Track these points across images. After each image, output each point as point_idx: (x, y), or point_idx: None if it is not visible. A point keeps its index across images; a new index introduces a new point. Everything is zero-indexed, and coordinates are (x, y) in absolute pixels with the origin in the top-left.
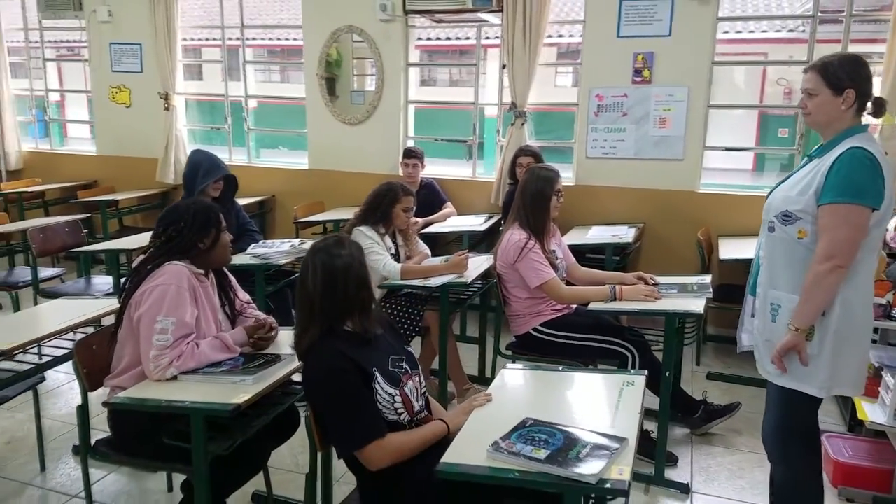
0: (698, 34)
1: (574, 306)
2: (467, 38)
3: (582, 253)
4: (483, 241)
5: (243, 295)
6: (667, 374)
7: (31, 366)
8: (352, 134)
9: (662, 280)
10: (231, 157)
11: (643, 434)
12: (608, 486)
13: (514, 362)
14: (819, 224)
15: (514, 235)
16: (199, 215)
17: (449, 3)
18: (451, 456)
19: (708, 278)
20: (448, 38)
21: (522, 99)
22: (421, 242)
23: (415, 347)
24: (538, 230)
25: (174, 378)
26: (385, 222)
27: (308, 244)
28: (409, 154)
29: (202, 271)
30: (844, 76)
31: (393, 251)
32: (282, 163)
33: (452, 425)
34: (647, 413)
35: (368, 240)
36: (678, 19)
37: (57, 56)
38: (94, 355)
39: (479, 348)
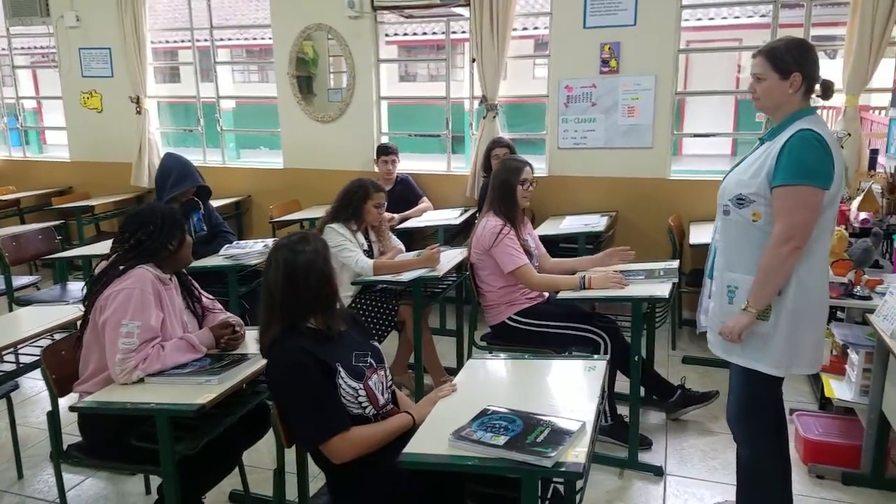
0: (663, 22)
1: (546, 295)
2: (439, 33)
3: (555, 242)
4: (459, 235)
5: (206, 296)
6: (635, 358)
7: (1, 373)
8: (325, 132)
9: (632, 267)
10: (205, 158)
11: (617, 418)
12: (564, 469)
13: (490, 353)
14: (774, 207)
15: (490, 222)
16: (167, 219)
17: None
18: (414, 446)
19: (675, 263)
20: (417, 34)
21: (493, 92)
22: (394, 238)
23: (392, 342)
24: (511, 219)
25: (141, 381)
26: (356, 219)
27: None
28: (385, 151)
29: (167, 275)
30: (791, 60)
31: (366, 247)
32: (256, 163)
33: (418, 416)
34: (621, 397)
35: (340, 237)
36: (643, 8)
37: (30, 63)
38: (63, 361)
39: (457, 340)
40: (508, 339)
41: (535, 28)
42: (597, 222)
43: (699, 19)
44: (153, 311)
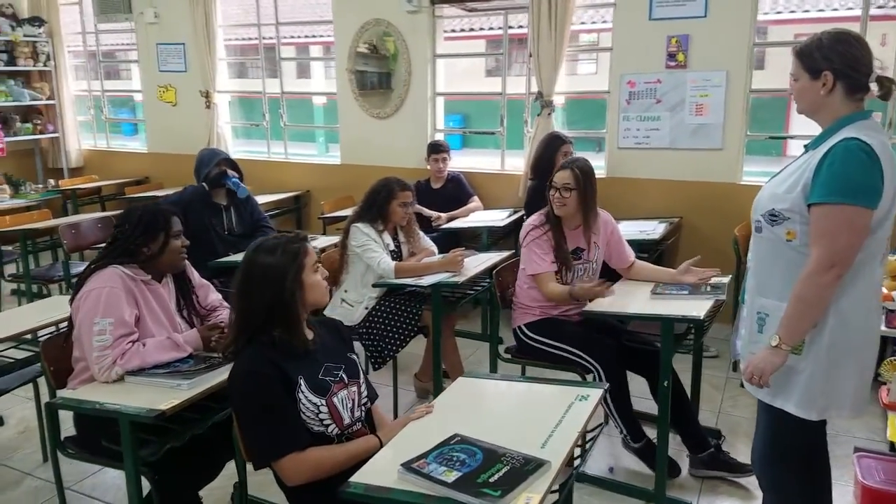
0: (737, 14)
1: (560, 308)
2: (496, 28)
3: None
4: (506, 238)
5: (215, 297)
6: (664, 383)
7: (31, 354)
8: (381, 128)
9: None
10: (269, 152)
11: (644, 440)
12: None
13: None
14: (812, 227)
15: (532, 218)
16: (144, 219)
17: None
18: (365, 472)
19: (726, 280)
20: (472, 30)
21: (549, 88)
22: (426, 238)
23: (417, 346)
24: (553, 221)
25: (121, 379)
26: (382, 219)
27: (319, 240)
28: (436, 149)
29: (148, 276)
30: (820, 57)
31: (392, 248)
32: (315, 157)
33: (385, 440)
34: (647, 418)
35: (364, 237)
36: None
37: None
38: (63, 353)
39: (490, 350)
40: (524, 353)
41: (594, 22)
42: (653, 229)
43: (779, 12)
44: (126, 308)
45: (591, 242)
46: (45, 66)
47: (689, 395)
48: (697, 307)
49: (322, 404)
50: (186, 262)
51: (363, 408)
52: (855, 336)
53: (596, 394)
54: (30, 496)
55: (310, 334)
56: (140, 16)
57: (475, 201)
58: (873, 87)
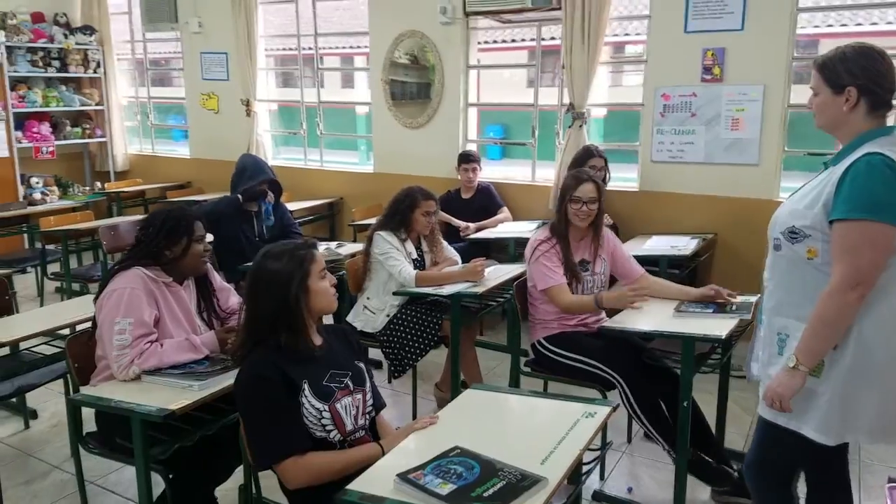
0: (775, 28)
1: (580, 319)
2: (528, 40)
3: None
4: None
5: (236, 300)
6: (684, 403)
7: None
8: (413, 138)
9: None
10: (306, 160)
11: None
12: None
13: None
14: (834, 244)
15: (535, 235)
16: (167, 223)
17: (509, 3)
18: (362, 481)
19: (753, 299)
20: (514, 40)
21: (581, 99)
22: (449, 248)
23: (439, 355)
24: (561, 234)
25: (138, 378)
26: (405, 228)
27: (346, 247)
28: (467, 158)
29: (170, 278)
30: (843, 71)
31: (415, 257)
32: (349, 166)
33: (388, 449)
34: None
35: (387, 245)
36: (752, 12)
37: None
38: (88, 350)
39: (511, 362)
40: (543, 366)
41: (626, 34)
42: (685, 245)
43: (816, 26)
44: (146, 309)
45: (597, 255)
46: (95, 72)
47: (708, 417)
48: (721, 326)
49: (325, 410)
50: (209, 265)
51: (368, 416)
52: (878, 359)
53: (603, 412)
54: (56, 488)
55: (318, 340)
56: (185, 25)
57: (504, 212)
58: None
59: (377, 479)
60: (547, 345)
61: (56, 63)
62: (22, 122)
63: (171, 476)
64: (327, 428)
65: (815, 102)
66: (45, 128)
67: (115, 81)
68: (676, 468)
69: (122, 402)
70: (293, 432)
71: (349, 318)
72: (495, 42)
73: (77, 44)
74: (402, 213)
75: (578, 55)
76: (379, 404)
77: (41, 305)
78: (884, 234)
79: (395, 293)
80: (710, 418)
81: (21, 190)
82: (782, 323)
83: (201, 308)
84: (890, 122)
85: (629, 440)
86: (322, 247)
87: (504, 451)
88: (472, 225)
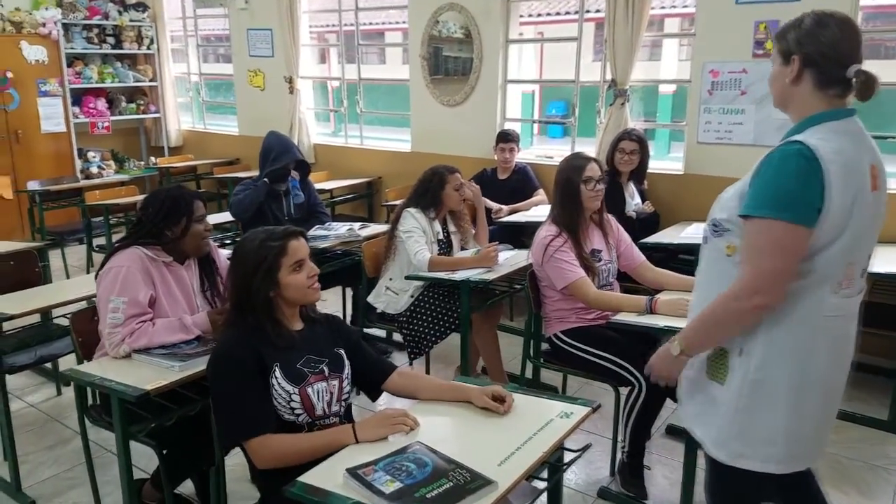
0: None
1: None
2: (572, 13)
3: (674, 253)
4: None
5: None
6: None
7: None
8: (450, 116)
9: None
10: (346, 139)
11: (638, 463)
12: None
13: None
14: (742, 243)
15: (542, 232)
16: (167, 203)
17: None
18: (312, 473)
19: None
20: (549, 14)
21: (624, 76)
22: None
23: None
24: (570, 226)
25: (129, 356)
26: (436, 206)
27: (370, 228)
28: (505, 138)
29: (170, 258)
30: (793, 39)
31: (441, 237)
32: (388, 143)
33: (361, 436)
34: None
35: (413, 222)
36: None
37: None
38: (93, 325)
39: (524, 349)
40: (559, 358)
41: (673, 6)
42: None
43: None
44: (141, 288)
45: (608, 243)
46: (148, 49)
47: None
48: None
49: (294, 392)
50: (211, 244)
51: (343, 403)
52: (791, 376)
53: (580, 412)
54: (76, 454)
55: (298, 325)
56: (232, 1)
57: (540, 194)
58: (854, 82)
59: (329, 470)
60: (565, 338)
61: (111, 39)
62: (79, 97)
63: (164, 452)
64: (296, 411)
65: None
66: (102, 103)
67: (168, 58)
68: (684, 474)
69: (103, 380)
70: (258, 412)
71: (370, 299)
72: (540, 15)
73: (131, 20)
74: (432, 191)
75: (622, 28)
76: (387, 368)
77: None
78: (789, 234)
79: (407, 277)
80: None
81: (78, 163)
82: None
83: (204, 288)
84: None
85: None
86: (344, 227)
87: (468, 449)
88: (505, 207)
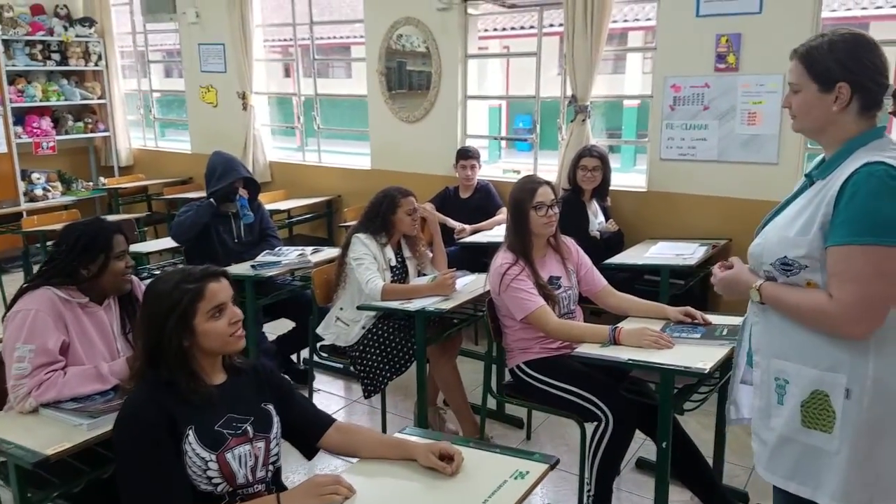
0: (797, 11)
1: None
2: (530, 28)
3: (640, 273)
4: None
5: None
6: (663, 445)
7: None
8: (410, 132)
9: (716, 319)
10: (304, 156)
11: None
12: None
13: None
14: (831, 272)
15: (498, 259)
16: (82, 239)
17: None
18: None
19: (740, 320)
20: (513, 28)
21: (584, 91)
22: (431, 253)
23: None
24: (525, 252)
25: (36, 411)
26: (387, 231)
27: (324, 252)
28: (465, 155)
29: (86, 298)
30: (834, 65)
31: (394, 263)
32: (349, 160)
33: None
34: None
35: (363, 248)
36: None
37: (163, 58)
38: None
39: (484, 382)
40: (523, 392)
41: (636, 19)
42: (690, 254)
43: (833, 10)
44: (52, 334)
45: (566, 269)
46: (96, 65)
47: (703, 453)
48: (707, 356)
49: (211, 460)
50: (134, 281)
51: (270, 467)
52: None
53: (538, 470)
54: None
55: (220, 378)
56: (182, 16)
57: (503, 213)
58: (887, 101)
59: None
60: (528, 370)
61: (56, 56)
62: (22, 116)
63: None
64: (214, 480)
65: (794, 101)
66: (46, 122)
67: (117, 74)
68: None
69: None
70: (168, 485)
71: (319, 331)
72: (505, 29)
73: (77, 36)
74: (382, 215)
75: (580, 43)
76: (323, 423)
77: None
78: (891, 258)
79: (358, 307)
80: (707, 447)
81: (22, 186)
82: (780, 367)
83: (126, 330)
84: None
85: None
86: (295, 252)
87: None
88: (467, 227)
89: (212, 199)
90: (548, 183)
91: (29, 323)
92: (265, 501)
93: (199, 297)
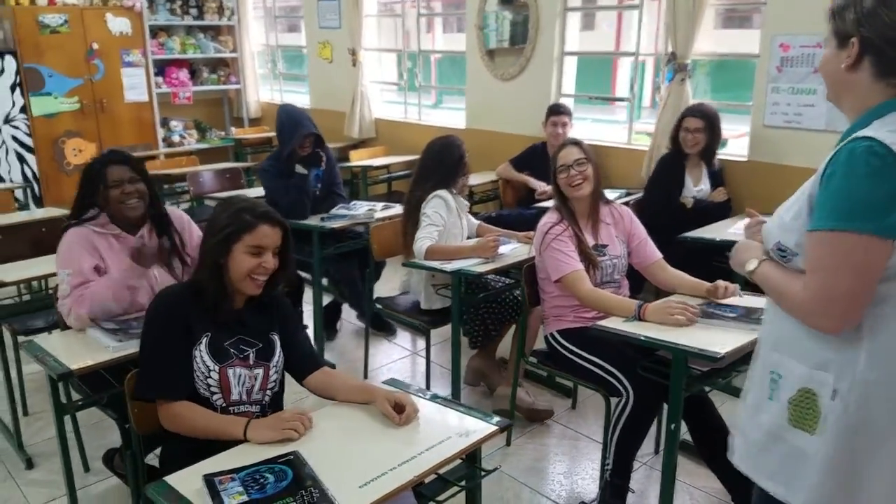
0: None
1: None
2: None
3: (713, 252)
4: None
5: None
6: (671, 426)
7: None
8: (505, 90)
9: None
10: (405, 113)
11: (623, 486)
12: None
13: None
14: (807, 259)
15: (544, 219)
16: (83, 176)
17: None
18: (178, 475)
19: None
20: None
21: (685, 48)
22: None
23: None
24: (570, 214)
25: (84, 330)
26: (460, 178)
27: (395, 209)
28: (556, 111)
29: (118, 229)
30: (852, 18)
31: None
32: (444, 121)
33: (251, 434)
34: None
35: (441, 203)
36: None
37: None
38: None
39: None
40: (554, 360)
41: None
42: None
43: None
44: (85, 258)
45: (613, 237)
46: (229, 20)
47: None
48: (730, 340)
49: (214, 370)
50: (175, 213)
51: (268, 392)
52: (888, 414)
53: (482, 431)
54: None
55: (242, 303)
56: None
57: None
58: None
59: (195, 473)
60: (560, 339)
61: (193, 11)
62: (162, 68)
63: (126, 426)
64: (212, 389)
65: (821, 59)
66: (184, 74)
67: (248, 29)
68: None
69: (43, 355)
70: (172, 376)
71: (423, 307)
72: None
73: None
74: (455, 163)
75: None
76: (313, 364)
77: None
78: (863, 248)
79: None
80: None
81: (161, 132)
82: (776, 360)
83: (161, 258)
84: None
85: (657, 451)
86: (365, 207)
87: (345, 462)
88: (549, 188)
89: (300, 168)
90: (575, 142)
91: (64, 252)
92: (235, 422)
93: (248, 229)
